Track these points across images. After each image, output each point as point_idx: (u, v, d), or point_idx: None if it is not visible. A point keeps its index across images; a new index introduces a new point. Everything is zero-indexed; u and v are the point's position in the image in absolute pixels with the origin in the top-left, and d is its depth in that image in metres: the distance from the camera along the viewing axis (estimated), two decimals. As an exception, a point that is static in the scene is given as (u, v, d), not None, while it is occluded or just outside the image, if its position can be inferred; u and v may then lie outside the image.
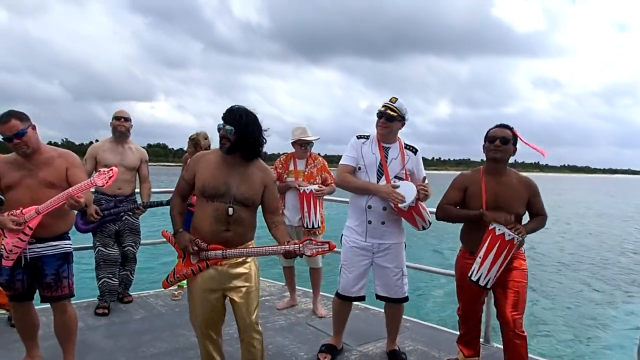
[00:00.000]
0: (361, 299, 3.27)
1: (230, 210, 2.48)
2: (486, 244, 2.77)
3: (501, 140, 2.87)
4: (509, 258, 2.79)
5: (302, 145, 4.23)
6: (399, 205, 2.97)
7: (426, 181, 3.14)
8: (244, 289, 2.58)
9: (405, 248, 3.24)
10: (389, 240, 3.14)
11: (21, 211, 2.67)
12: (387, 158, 3.13)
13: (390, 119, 3.09)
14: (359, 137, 3.22)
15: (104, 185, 2.57)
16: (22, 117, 2.71)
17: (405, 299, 3.24)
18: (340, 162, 3.24)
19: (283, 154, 4.44)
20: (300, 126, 4.28)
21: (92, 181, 2.59)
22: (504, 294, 2.84)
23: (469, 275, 2.84)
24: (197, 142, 4.51)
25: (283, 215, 4.19)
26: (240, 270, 2.59)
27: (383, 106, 3.13)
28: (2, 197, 2.85)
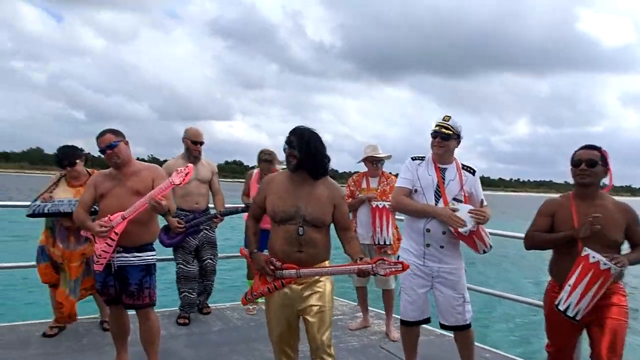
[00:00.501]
0: (426, 321, 3.17)
1: (300, 230, 2.53)
2: (577, 271, 2.57)
3: (587, 163, 2.68)
4: (603, 290, 2.56)
5: (373, 163, 4.23)
6: (460, 230, 2.88)
7: (484, 204, 3.04)
8: (316, 308, 2.59)
9: (465, 273, 3.11)
10: (449, 265, 3.03)
11: (109, 218, 2.91)
12: (444, 179, 3.05)
13: (446, 138, 3.01)
14: (414, 159, 3.16)
15: (181, 184, 2.81)
16: (116, 132, 3.04)
17: (467, 326, 3.09)
18: (396, 185, 3.20)
19: (355, 172, 4.46)
20: (371, 144, 4.30)
21: (171, 181, 2.81)
22: (600, 333, 2.61)
23: (555, 303, 2.65)
24: (259, 159, 4.65)
25: (355, 233, 4.18)
26: (314, 289, 2.61)
27: (437, 125, 3.05)
28: (96, 207, 3.10)
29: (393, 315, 4.31)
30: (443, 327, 3.15)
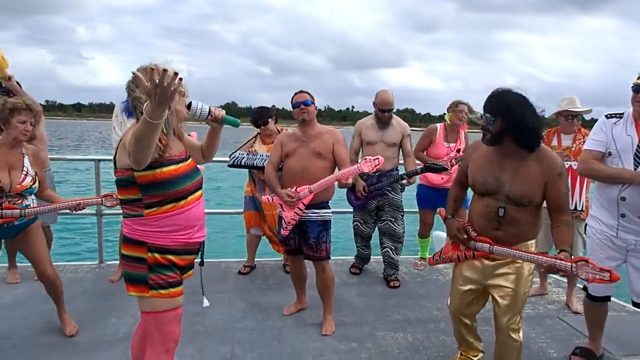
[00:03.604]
0: (607, 298, 2.84)
1: (501, 211, 2.32)
2: None
3: None
4: None
5: (568, 118, 3.75)
6: None
7: None
8: (507, 290, 2.41)
9: None
10: None
11: (296, 189, 3.17)
12: None
13: None
14: (608, 117, 2.68)
15: (369, 172, 2.96)
16: (311, 95, 3.32)
17: None
18: (584, 147, 2.77)
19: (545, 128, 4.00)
20: (567, 96, 3.80)
21: (359, 167, 2.97)
22: None
23: None
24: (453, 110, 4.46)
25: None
26: (507, 269, 2.41)
27: None
28: (281, 164, 3.41)
29: (577, 285, 3.93)
30: (636, 305, 2.77)
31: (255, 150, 4.23)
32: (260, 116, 4.19)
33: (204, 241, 2.17)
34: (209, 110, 2.08)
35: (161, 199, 1.96)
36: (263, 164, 3.99)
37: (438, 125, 4.58)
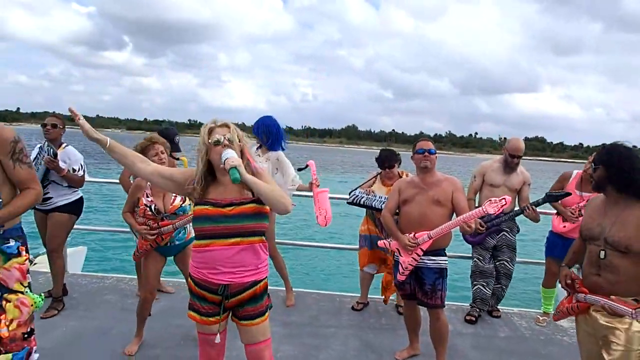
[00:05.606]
0: None
1: (602, 254, 2.32)
2: None
3: None
4: None
5: None
6: None
7: None
8: (615, 347, 2.26)
9: None
10: None
11: (414, 235, 3.23)
12: None
13: None
14: None
15: (494, 213, 2.95)
16: (433, 143, 3.42)
17: None
18: None
19: None
20: None
21: (484, 209, 2.96)
22: None
23: None
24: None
25: None
26: (614, 323, 2.29)
27: None
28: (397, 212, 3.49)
29: None
30: None
31: (373, 191, 4.40)
32: (387, 159, 4.39)
33: (225, 286, 2.26)
34: (224, 160, 2.18)
35: (195, 233, 2.34)
36: (381, 206, 4.13)
37: (575, 171, 4.42)
